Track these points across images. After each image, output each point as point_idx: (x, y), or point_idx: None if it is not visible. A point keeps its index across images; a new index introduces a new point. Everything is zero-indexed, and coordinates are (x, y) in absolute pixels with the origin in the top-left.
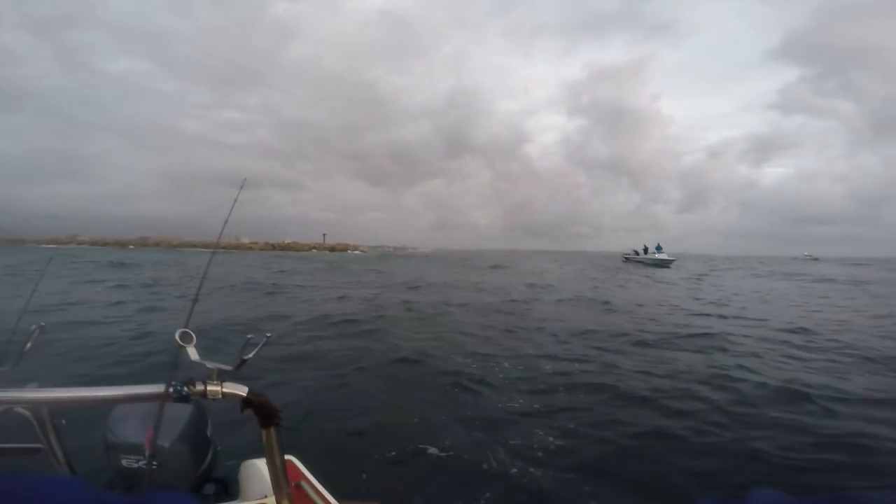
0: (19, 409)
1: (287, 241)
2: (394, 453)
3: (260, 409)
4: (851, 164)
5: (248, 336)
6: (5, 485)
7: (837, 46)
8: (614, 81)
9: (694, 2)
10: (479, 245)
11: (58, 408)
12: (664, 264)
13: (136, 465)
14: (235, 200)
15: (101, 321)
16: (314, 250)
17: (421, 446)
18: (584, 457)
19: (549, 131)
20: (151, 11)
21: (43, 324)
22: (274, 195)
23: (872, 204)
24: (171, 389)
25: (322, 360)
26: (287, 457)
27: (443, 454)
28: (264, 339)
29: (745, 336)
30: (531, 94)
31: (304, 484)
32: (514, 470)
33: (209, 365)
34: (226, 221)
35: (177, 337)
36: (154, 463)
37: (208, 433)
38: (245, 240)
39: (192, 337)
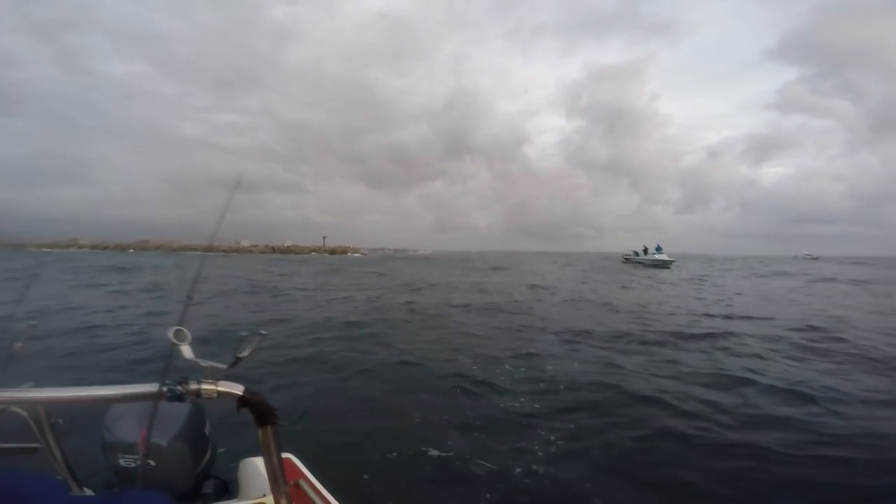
0: (15, 409)
1: (287, 243)
2: (395, 454)
3: (256, 408)
4: (850, 163)
5: (243, 334)
6: None
7: (835, 46)
8: (613, 82)
9: (691, 1)
10: (479, 246)
11: (53, 407)
12: (664, 265)
13: (133, 464)
14: (230, 199)
15: (102, 325)
16: (314, 253)
17: (423, 448)
18: (587, 457)
19: (548, 132)
20: (149, 13)
21: (34, 323)
22: (274, 198)
23: (871, 203)
24: (165, 388)
25: (325, 363)
26: (286, 455)
27: (444, 455)
28: (260, 338)
29: (750, 336)
30: (530, 95)
31: (302, 482)
32: (517, 470)
33: (203, 363)
34: (220, 217)
35: (170, 335)
36: (149, 462)
37: (207, 432)
38: (245, 243)
39: (186, 335)
